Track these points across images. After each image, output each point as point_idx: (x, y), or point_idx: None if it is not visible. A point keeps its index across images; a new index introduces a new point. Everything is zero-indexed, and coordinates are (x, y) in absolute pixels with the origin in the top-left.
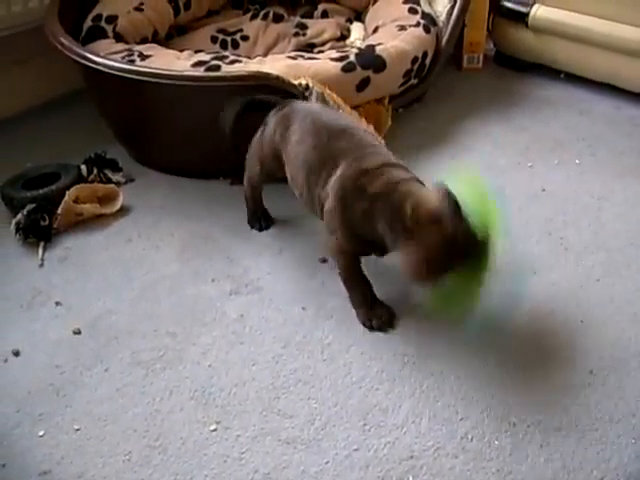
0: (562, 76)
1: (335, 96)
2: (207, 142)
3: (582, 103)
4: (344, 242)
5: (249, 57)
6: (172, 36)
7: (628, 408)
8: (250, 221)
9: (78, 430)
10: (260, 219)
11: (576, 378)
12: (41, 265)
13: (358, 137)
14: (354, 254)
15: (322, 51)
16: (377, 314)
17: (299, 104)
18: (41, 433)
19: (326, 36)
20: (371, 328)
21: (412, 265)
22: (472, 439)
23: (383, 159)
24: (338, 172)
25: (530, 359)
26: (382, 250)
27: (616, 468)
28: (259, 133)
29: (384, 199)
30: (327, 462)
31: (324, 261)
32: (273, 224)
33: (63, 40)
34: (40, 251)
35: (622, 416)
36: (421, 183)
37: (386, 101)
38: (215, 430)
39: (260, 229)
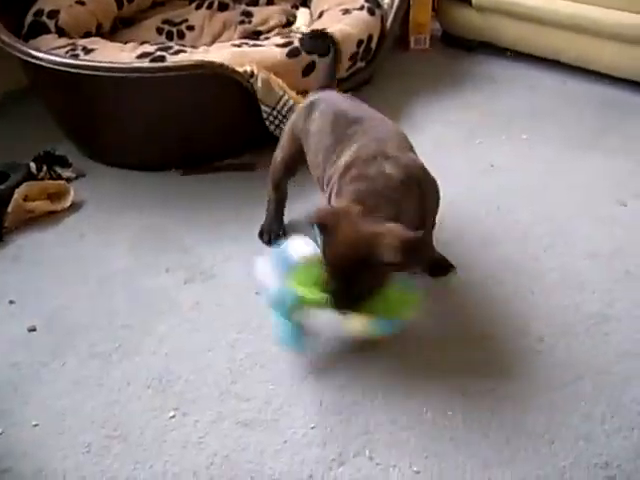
0: (509, 54)
1: (281, 82)
2: (156, 134)
3: (529, 79)
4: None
5: (195, 47)
6: (117, 28)
7: (576, 372)
8: (263, 230)
9: (37, 425)
10: (274, 229)
11: (527, 345)
12: None
13: (372, 125)
14: None
15: (267, 38)
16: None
17: (322, 94)
18: (0, 431)
19: (272, 23)
20: None
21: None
22: (426, 411)
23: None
24: (347, 157)
25: (482, 329)
26: None
27: (566, 430)
28: (293, 116)
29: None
30: (285, 441)
31: None
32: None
33: (4, 37)
34: None
35: (571, 380)
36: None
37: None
38: (174, 417)
39: (269, 241)
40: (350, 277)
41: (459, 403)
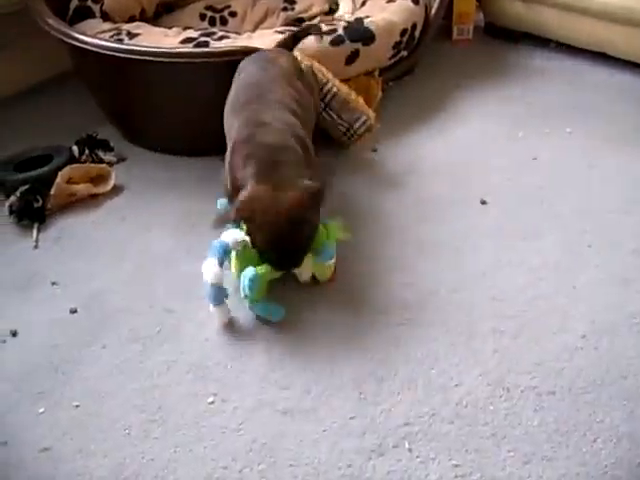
0: (553, 45)
1: (324, 70)
2: (198, 119)
3: (573, 72)
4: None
5: (237, 33)
6: (160, 14)
7: (619, 370)
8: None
9: (77, 407)
10: None
11: (569, 342)
12: (36, 246)
13: (268, 96)
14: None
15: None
16: None
17: (248, 60)
18: (41, 410)
19: (315, 10)
20: None
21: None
22: (467, 405)
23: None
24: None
25: (523, 325)
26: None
27: (609, 429)
28: None
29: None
30: (324, 430)
31: None
32: None
33: (50, 21)
34: (34, 232)
35: (613, 379)
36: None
37: (376, 74)
38: (213, 402)
39: None
40: (289, 244)
41: (500, 399)
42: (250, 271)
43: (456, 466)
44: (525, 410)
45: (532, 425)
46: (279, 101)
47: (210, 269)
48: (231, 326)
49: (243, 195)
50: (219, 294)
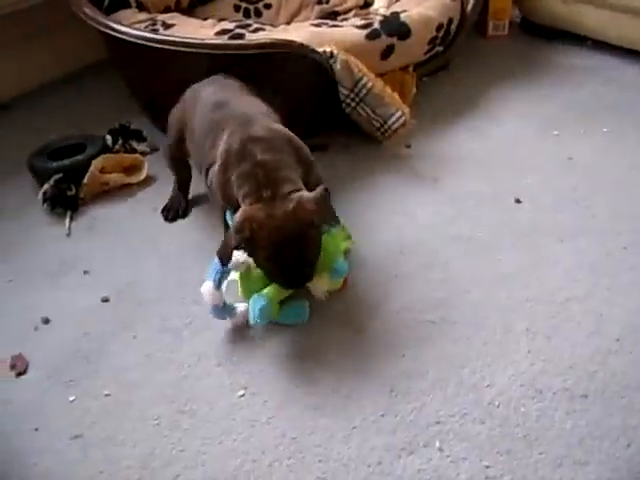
0: (589, 43)
1: (360, 64)
2: None
3: (610, 70)
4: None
5: (272, 25)
6: (195, 5)
7: None
8: (166, 207)
9: (108, 395)
10: (173, 208)
11: (603, 345)
12: (68, 235)
13: (239, 108)
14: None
15: (345, 19)
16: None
17: (204, 82)
18: (72, 398)
19: (349, 4)
20: None
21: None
22: (498, 405)
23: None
24: (224, 141)
25: (557, 326)
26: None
27: None
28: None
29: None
30: (354, 427)
31: None
32: (186, 216)
33: (87, 10)
34: (67, 221)
35: None
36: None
37: (411, 69)
38: (243, 395)
39: (172, 217)
40: (295, 259)
41: (532, 400)
42: (259, 301)
43: (487, 467)
44: (557, 412)
45: (564, 428)
46: (258, 112)
47: (207, 292)
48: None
49: (238, 217)
50: (223, 313)
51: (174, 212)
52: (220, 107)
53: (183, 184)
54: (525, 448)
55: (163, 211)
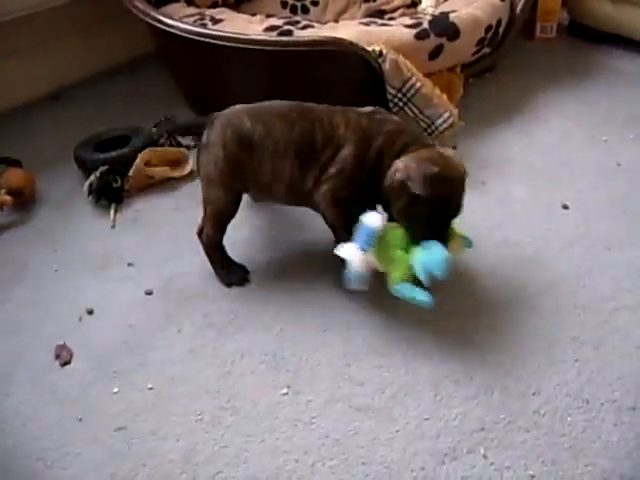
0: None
1: (409, 63)
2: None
3: None
4: (353, 180)
5: (320, 22)
6: (242, 0)
7: None
8: (225, 276)
9: (151, 389)
10: (233, 268)
11: None
12: (113, 227)
13: (320, 107)
14: (352, 202)
15: (393, 18)
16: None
17: (222, 112)
18: (116, 390)
19: (397, 2)
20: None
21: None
22: (544, 414)
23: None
24: (342, 125)
25: (605, 336)
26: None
27: None
28: (204, 159)
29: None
30: (398, 430)
31: None
32: (249, 272)
33: (137, 3)
34: (112, 213)
35: None
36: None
37: (458, 70)
38: (286, 394)
39: (240, 282)
40: (456, 205)
41: (579, 411)
42: (438, 253)
43: (532, 477)
44: (605, 424)
45: (611, 440)
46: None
47: (356, 256)
48: (305, 317)
49: (426, 170)
50: (363, 280)
51: (241, 274)
52: (303, 110)
53: (222, 248)
54: (571, 459)
55: (227, 284)
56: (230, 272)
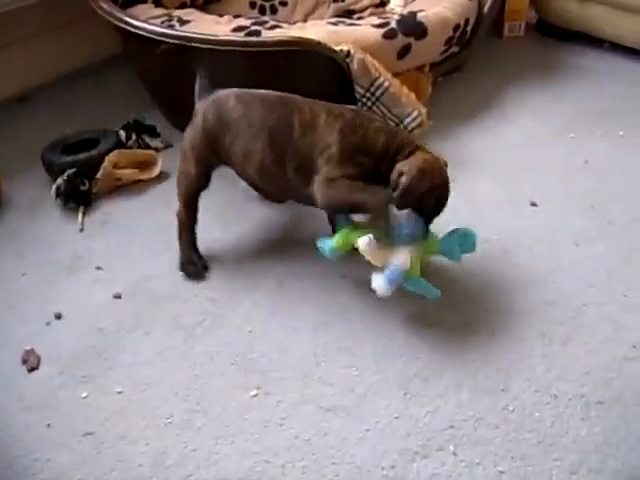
0: (606, 45)
1: (376, 63)
2: None
3: (627, 73)
4: (347, 165)
5: (289, 23)
6: (210, 1)
7: None
8: (185, 263)
9: (120, 393)
10: (195, 260)
11: (619, 351)
12: (81, 230)
13: (303, 98)
14: (351, 177)
15: (361, 17)
16: None
17: (222, 90)
18: (84, 395)
19: (365, 2)
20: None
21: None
22: (513, 410)
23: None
24: (323, 114)
25: (573, 332)
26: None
27: None
28: (188, 130)
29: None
30: (368, 430)
31: None
32: (208, 270)
33: (103, 4)
34: (80, 216)
35: None
36: None
37: (426, 69)
38: (256, 396)
39: (197, 274)
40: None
41: (547, 406)
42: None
43: (501, 473)
44: (573, 419)
45: (580, 435)
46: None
47: (385, 292)
48: (274, 318)
49: (411, 169)
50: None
51: (200, 267)
52: (285, 98)
53: (194, 230)
54: (539, 454)
55: (183, 268)
56: (190, 261)
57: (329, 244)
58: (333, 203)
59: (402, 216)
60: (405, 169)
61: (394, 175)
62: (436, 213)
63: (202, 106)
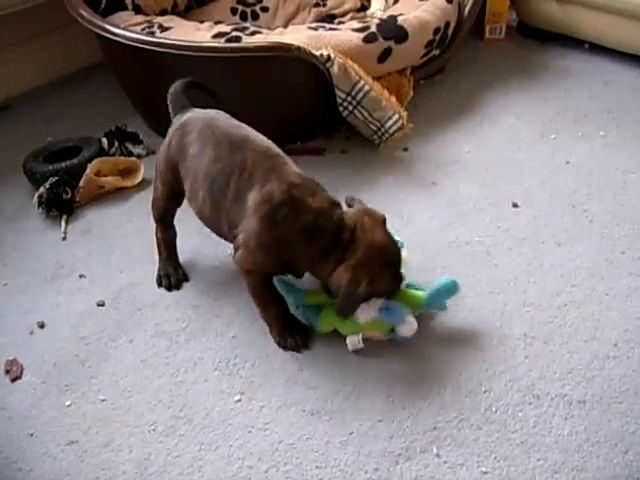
0: (586, 46)
1: (357, 67)
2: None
3: (607, 74)
4: (261, 260)
5: (269, 28)
6: (191, 7)
7: None
8: (162, 274)
9: (104, 400)
10: (171, 272)
11: (600, 350)
12: (64, 238)
13: (262, 147)
14: (267, 274)
15: (342, 22)
16: (291, 333)
17: (197, 112)
18: (68, 403)
19: (347, 7)
20: (285, 348)
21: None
22: (496, 411)
23: (299, 173)
24: (257, 186)
25: (554, 332)
26: (297, 271)
27: None
28: (159, 150)
29: (327, 217)
30: (351, 433)
31: None
32: (187, 280)
33: (83, 12)
34: (62, 224)
35: None
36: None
37: (408, 72)
38: (239, 401)
39: (170, 286)
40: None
41: (530, 406)
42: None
43: (485, 473)
44: (555, 418)
45: (562, 434)
46: (276, 149)
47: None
48: (258, 323)
49: (349, 275)
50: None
51: (175, 280)
52: (238, 147)
53: (172, 244)
54: (522, 454)
55: (160, 282)
56: (166, 274)
57: (313, 321)
58: (255, 295)
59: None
60: (339, 286)
61: (333, 293)
62: (397, 288)
63: (173, 127)
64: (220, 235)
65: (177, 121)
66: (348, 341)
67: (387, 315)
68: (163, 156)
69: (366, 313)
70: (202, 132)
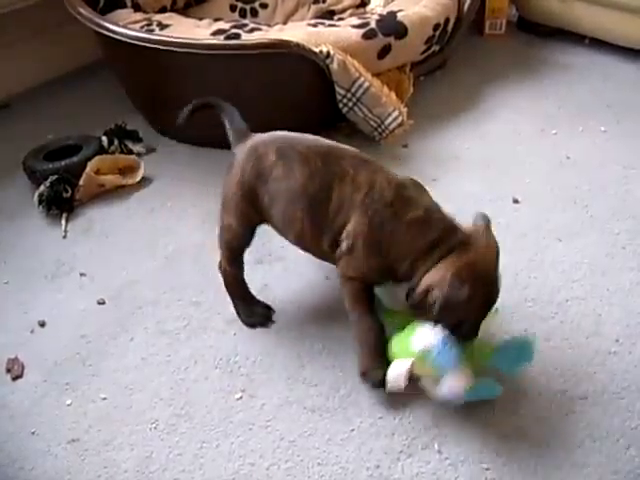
0: (587, 42)
1: (356, 64)
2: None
3: (607, 69)
4: (364, 263)
5: (269, 25)
6: (190, 5)
7: None
8: (246, 316)
9: (105, 399)
10: (258, 312)
11: (602, 346)
12: (64, 236)
13: (352, 152)
14: (367, 284)
15: (342, 18)
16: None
17: (261, 136)
18: (69, 402)
19: (346, 3)
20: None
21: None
22: (496, 407)
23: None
24: (362, 191)
25: (556, 327)
26: (396, 274)
27: None
28: (226, 180)
29: (438, 212)
30: (352, 430)
31: None
32: (274, 311)
33: (82, 10)
34: (63, 222)
35: None
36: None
37: (407, 68)
38: (240, 398)
39: (264, 322)
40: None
41: (530, 403)
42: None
43: (486, 469)
44: (557, 414)
45: (564, 430)
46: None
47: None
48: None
49: (453, 279)
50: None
51: (264, 318)
52: (330, 158)
53: (244, 282)
54: (524, 450)
55: (253, 325)
56: (252, 311)
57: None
58: (350, 301)
59: (432, 335)
60: (435, 282)
61: (419, 292)
62: (482, 319)
63: (240, 155)
64: (321, 256)
65: (243, 148)
66: (388, 376)
67: (442, 353)
68: (235, 186)
69: (424, 339)
70: (282, 153)
